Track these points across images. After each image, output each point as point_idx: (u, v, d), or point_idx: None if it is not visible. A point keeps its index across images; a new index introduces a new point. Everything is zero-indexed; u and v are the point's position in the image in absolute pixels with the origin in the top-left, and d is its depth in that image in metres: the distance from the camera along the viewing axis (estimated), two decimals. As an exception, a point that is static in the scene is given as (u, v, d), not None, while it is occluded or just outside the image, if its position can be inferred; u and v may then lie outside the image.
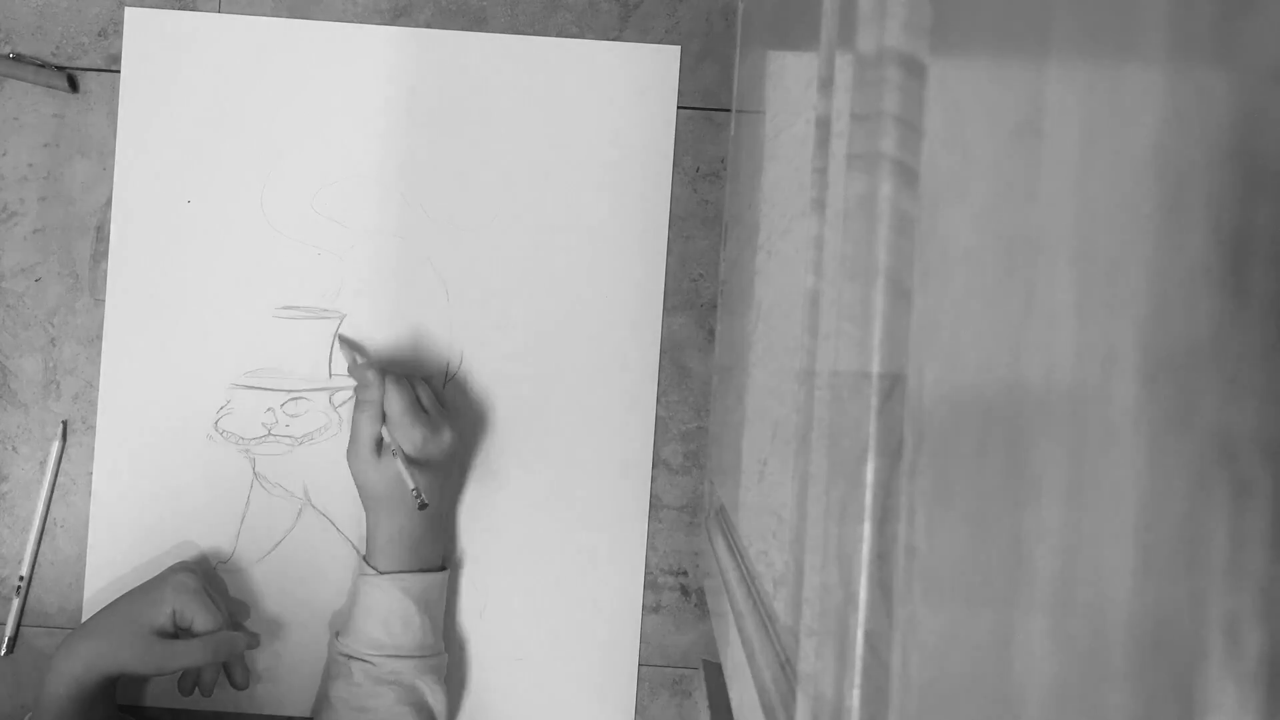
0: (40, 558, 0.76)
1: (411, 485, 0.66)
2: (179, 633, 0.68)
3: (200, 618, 0.68)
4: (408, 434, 0.68)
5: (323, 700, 0.71)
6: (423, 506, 0.67)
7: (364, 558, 0.71)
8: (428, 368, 0.76)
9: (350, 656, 0.69)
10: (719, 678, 0.62)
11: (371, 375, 0.69)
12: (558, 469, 0.76)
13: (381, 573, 0.69)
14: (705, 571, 0.74)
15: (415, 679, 0.69)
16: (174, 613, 0.67)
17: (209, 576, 0.73)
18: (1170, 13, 0.15)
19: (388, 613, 0.69)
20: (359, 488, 0.71)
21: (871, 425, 0.28)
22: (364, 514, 0.72)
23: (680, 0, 0.77)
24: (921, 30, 0.27)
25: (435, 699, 0.70)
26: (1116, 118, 0.17)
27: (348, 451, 0.70)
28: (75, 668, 0.64)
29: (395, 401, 0.68)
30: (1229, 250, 0.13)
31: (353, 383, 0.76)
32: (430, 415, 0.69)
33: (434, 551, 0.71)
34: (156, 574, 0.71)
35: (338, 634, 0.71)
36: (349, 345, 0.73)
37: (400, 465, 0.67)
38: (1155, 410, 0.15)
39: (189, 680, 0.70)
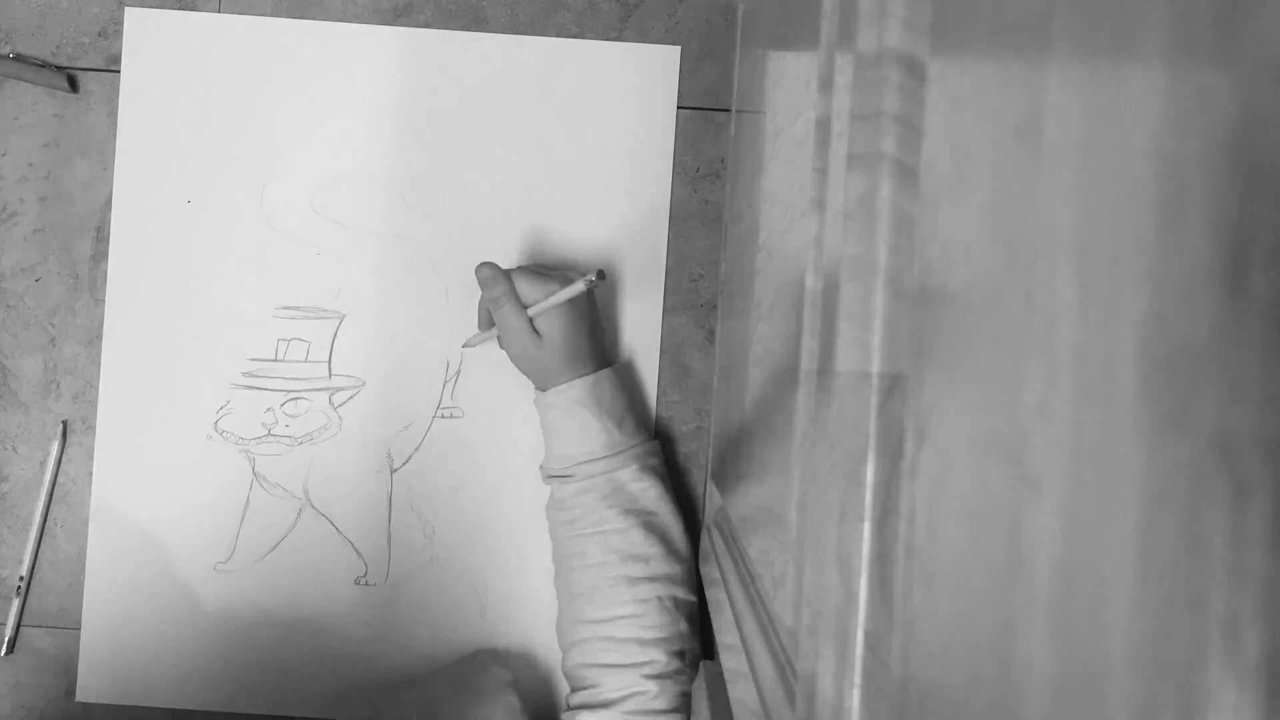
0: (40, 558, 0.76)
1: (584, 284, 0.66)
2: None
3: None
4: (547, 291, 0.68)
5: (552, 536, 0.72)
6: (602, 276, 0.67)
7: (537, 388, 0.72)
8: (428, 367, 0.76)
9: (552, 477, 0.70)
10: (719, 678, 0.62)
11: (488, 271, 0.70)
12: (558, 469, 0.76)
13: (544, 389, 0.70)
14: (705, 571, 0.74)
15: (612, 475, 0.69)
16: None
17: (525, 691, 0.72)
18: (1170, 13, 0.15)
19: (565, 423, 0.69)
20: (534, 375, 0.71)
21: (871, 425, 0.28)
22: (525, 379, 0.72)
23: (680, 0, 0.77)
24: (921, 30, 0.27)
25: (640, 486, 0.69)
26: (1116, 118, 0.17)
27: (508, 354, 0.70)
28: None
29: (525, 282, 0.69)
30: (1229, 250, 0.13)
31: (350, 382, 0.76)
32: (554, 272, 0.70)
33: (592, 357, 0.71)
34: (477, 674, 0.71)
35: (541, 467, 0.72)
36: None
37: (566, 294, 0.67)
38: (1155, 410, 0.15)
39: None
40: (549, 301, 0.68)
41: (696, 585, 0.71)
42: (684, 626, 0.67)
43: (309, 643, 0.75)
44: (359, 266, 0.76)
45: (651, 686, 0.65)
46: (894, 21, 0.28)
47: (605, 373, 0.70)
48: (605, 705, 0.65)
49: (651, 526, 0.68)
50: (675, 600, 0.67)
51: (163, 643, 0.75)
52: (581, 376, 0.69)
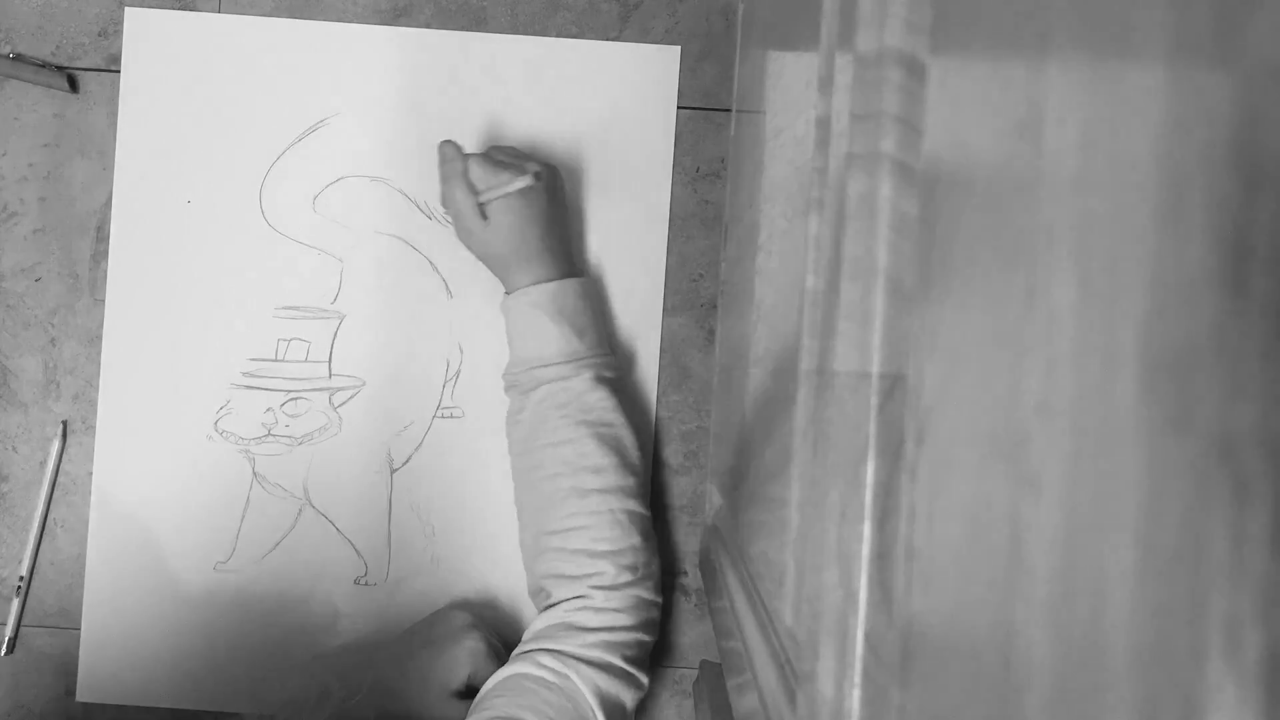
0: (40, 558, 0.76)
1: (523, 181, 0.67)
2: (468, 690, 0.68)
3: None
4: (498, 180, 0.68)
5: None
6: (538, 177, 0.68)
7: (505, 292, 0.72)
8: (428, 367, 0.76)
9: (510, 385, 0.71)
10: (719, 678, 0.62)
11: (450, 149, 0.70)
12: (558, 469, 0.76)
13: (509, 292, 0.70)
14: (705, 571, 0.74)
15: (568, 383, 0.68)
16: (469, 675, 0.67)
17: (489, 630, 0.71)
18: (1170, 13, 0.15)
19: (524, 327, 0.69)
20: (485, 261, 0.71)
21: (871, 425, 0.28)
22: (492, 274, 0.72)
23: (680, 0, 0.77)
24: (921, 30, 0.27)
25: (596, 396, 0.68)
26: (1116, 118, 0.17)
27: (458, 235, 0.71)
28: (368, 715, 0.65)
29: (475, 166, 0.69)
30: (1229, 250, 0.13)
31: (350, 382, 0.76)
32: (511, 163, 0.70)
33: (551, 261, 0.70)
34: (438, 624, 0.70)
35: (503, 375, 0.72)
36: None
37: (508, 188, 0.67)
38: (1155, 410, 0.15)
39: None
40: (496, 191, 0.68)
41: (651, 500, 0.70)
42: (636, 540, 0.66)
43: (309, 643, 0.75)
44: (359, 266, 0.76)
45: (598, 595, 0.64)
46: (894, 21, 0.28)
47: (570, 281, 0.70)
48: (552, 608, 0.65)
49: (605, 438, 0.68)
50: (629, 514, 0.67)
51: (163, 643, 0.75)
52: (543, 282, 0.69)
